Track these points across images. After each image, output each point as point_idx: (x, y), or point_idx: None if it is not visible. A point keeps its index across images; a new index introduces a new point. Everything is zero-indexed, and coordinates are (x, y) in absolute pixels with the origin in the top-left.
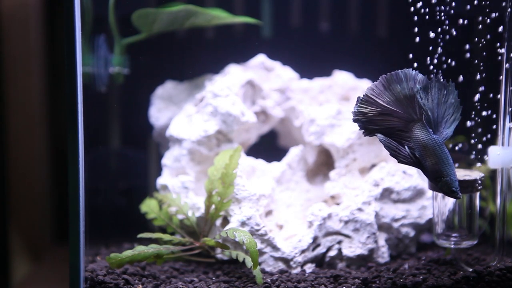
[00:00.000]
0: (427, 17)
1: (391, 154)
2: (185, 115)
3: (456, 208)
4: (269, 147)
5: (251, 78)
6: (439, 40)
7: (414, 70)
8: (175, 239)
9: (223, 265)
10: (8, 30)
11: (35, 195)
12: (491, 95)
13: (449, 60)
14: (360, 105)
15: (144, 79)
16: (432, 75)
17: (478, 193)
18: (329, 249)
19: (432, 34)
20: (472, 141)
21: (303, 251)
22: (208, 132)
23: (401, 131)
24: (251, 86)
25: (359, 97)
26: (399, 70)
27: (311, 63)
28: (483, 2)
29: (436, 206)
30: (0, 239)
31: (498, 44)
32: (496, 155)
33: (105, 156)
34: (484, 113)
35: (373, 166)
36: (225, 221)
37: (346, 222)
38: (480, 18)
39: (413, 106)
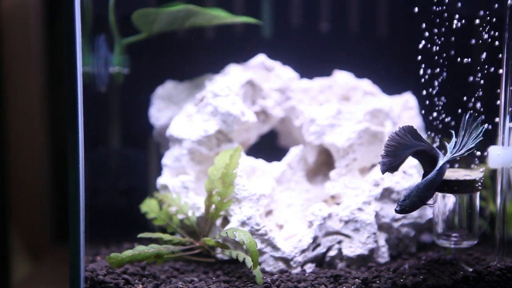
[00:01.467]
0: (427, 16)
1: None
2: (185, 115)
3: (456, 208)
4: (269, 147)
5: (251, 78)
6: (439, 39)
7: (398, 130)
8: (175, 239)
9: (223, 265)
10: (8, 30)
11: (35, 195)
12: (491, 95)
13: (449, 60)
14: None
15: (144, 79)
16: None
17: (478, 193)
18: (329, 249)
19: (432, 33)
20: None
21: (303, 251)
22: (208, 132)
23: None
24: (251, 86)
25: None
26: (389, 140)
27: (311, 63)
28: (484, 2)
29: (436, 206)
30: (0, 239)
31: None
32: (496, 155)
33: (105, 156)
34: (483, 113)
35: (373, 166)
36: (225, 221)
37: (346, 222)
38: (481, 18)
39: (418, 145)
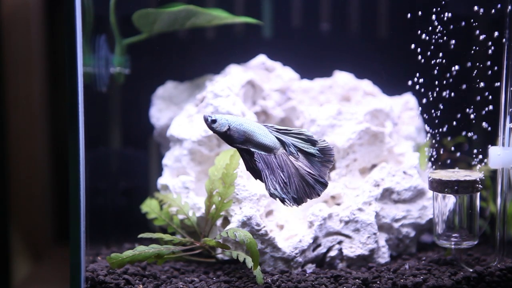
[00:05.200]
0: (427, 17)
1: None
2: (185, 115)
3: (456, 208)
4: None
5: (252, 79)
6: (440, 40)
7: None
8: (175, 239)
9: (223, 265)
10: (9, 30)
11: (36, 195)
12: (491, 95)
13: (450, 60)
14: None
15: (145, 79)
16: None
17: (478, 194)
18: (329, 249)
19: (432, 34)
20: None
21: (303, 251)
22: (208, 132)
23: None
24: (252, 87)
25: None
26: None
27: (312, 63)
28: (484, 2)
29: (437, 206)
30: (1, 239)
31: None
32: (496, 156)
33: (105, 156)
34: (484, 113)
35: (374, 166)
36: (226, 221)
37: (347, 222)
38: (481, 19)
39: None
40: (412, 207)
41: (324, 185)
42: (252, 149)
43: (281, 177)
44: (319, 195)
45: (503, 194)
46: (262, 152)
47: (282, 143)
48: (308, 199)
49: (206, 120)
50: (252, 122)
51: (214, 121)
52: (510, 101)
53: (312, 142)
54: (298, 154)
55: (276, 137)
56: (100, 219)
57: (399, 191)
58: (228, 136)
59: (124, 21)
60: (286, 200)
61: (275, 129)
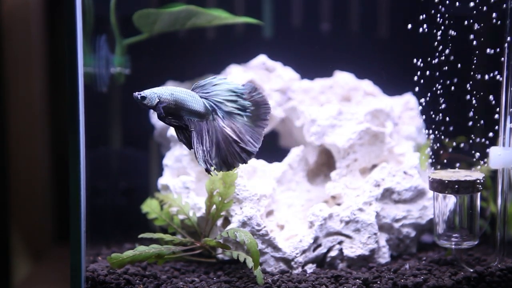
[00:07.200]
0: (428, 17)
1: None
2: None
3: (457, 208)
4: (270, 147)
5: (252, 79)
6: (440, 40)
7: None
8: (176, 239)
9: (224, 265)
10: (9, 30)
11: (36, 195)
12: (492, 95)
13: (450, 61)
14: None
15: (145, 79)
16: None
17: (479, 194)
18: (330, 249)
19: (433, 34)
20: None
21: (304, 251)
22: None
23: None
24: None
25: None
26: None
27: (312, 63)
28: (484, 2)
29: (437, 206)
30: (1, 239)
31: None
32: (497, 156)
33: (106, 156)
34: (484, 113)
35: (374, 166)
36: (226, 221)
37: (347, 223)
38: (481, 19)
39: None
40: (412, 207)
41: (251, 153)
42: (186, 117)
43: (207, 144)
44: (245, 162)
45: (503, 194)
46: (196, 119)
47: (208, 109)
48: (233, 167)
49: (136, 99)
50: (182, 89)
51: (143, 97)
52: (510, 101)
53: (238, 94)
54: (224, 119)
55: (204, 103)
56: (100, 219)
57: (400, 191)
58: (160, 108)
59: (124, 21)
60: (209, 168)
61: (202, 91)
